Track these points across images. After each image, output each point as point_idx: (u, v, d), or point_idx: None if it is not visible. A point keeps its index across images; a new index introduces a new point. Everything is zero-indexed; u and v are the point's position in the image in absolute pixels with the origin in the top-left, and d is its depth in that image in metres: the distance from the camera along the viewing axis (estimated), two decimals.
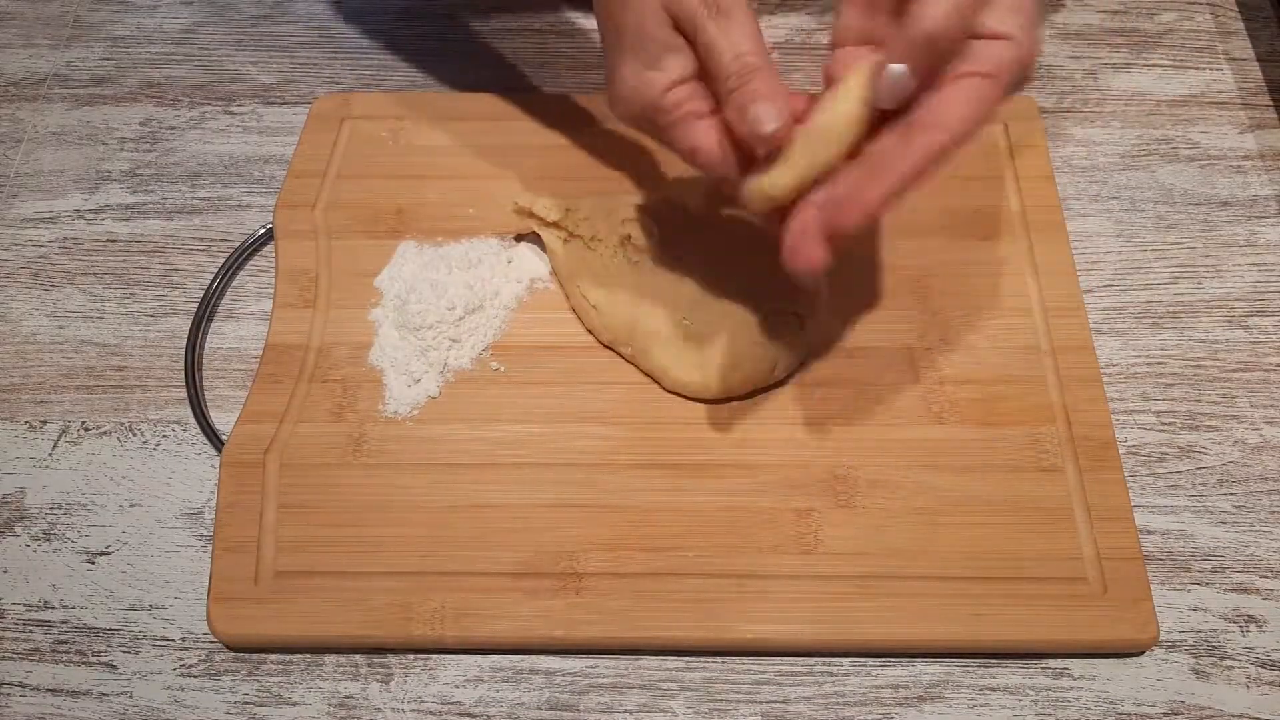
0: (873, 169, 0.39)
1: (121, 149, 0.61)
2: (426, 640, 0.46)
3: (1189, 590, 0.48)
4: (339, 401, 0.51)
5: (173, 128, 0.62)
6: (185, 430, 0.52)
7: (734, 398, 0.51)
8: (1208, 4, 0.67)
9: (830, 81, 0.42)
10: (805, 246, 0.40)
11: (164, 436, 0.52)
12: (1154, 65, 0.64)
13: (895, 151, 0.38)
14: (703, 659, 0.47)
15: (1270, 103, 0.62)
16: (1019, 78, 0.39)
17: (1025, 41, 0.39)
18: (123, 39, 0.66)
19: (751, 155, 0.41)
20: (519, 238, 0.56)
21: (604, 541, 0.47)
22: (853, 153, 0.40)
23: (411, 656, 0.47)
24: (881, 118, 0.39)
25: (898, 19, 0.40)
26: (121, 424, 0.52)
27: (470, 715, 0.45)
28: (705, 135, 0.41)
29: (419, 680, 0.46)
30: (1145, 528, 0.49)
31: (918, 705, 0.45)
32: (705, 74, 0.41)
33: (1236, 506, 0.50)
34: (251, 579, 0.47)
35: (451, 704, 0.46)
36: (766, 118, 0.38)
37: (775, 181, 0.40)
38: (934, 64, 0.38)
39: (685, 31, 0.40)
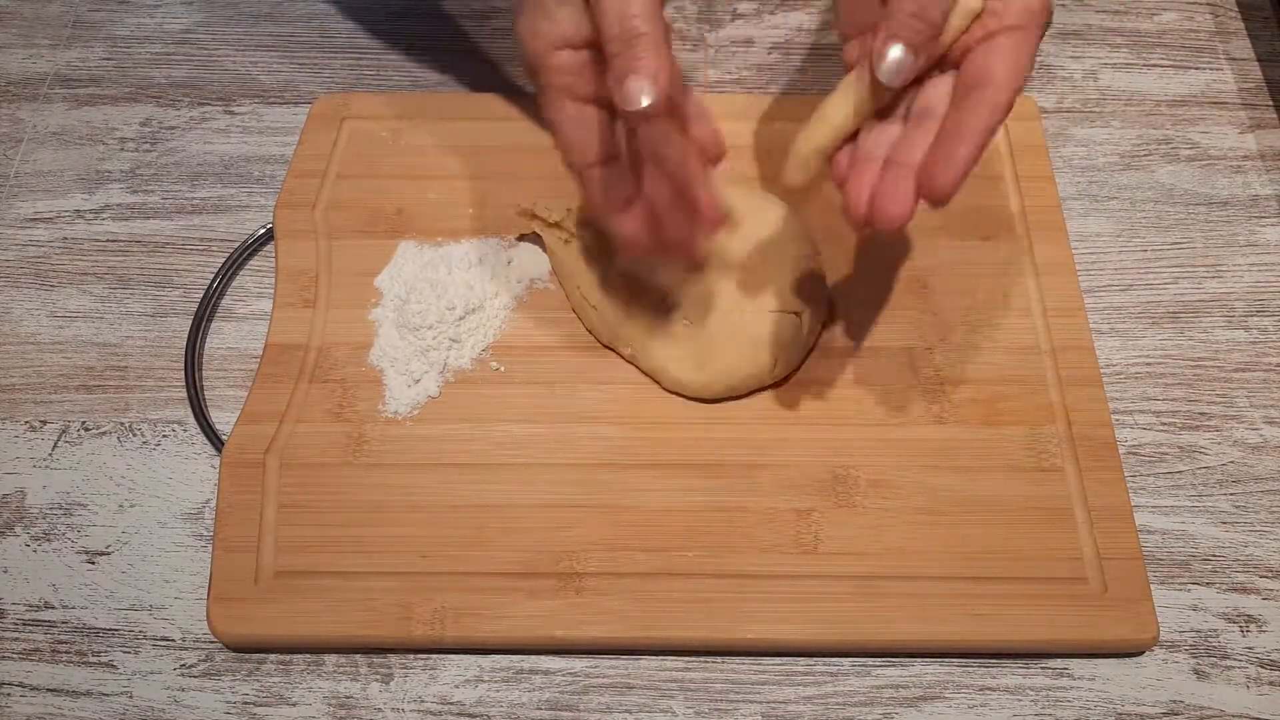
0: (949, 132, 0.38)
1: (121, 149, 0.61)
2: (426, 640, 0.46)
3: (1189, 590, 0.48)
4: (339, 401, 0.51)
5: (173, 128, 0.62)
6: (185, 430, 0.52)
7: (734, 398, 0.51)
8: (1208, 4, 0.67)
9: (849, 68, 0.42)
10: (895, 200, 0.38)
11: (164, 436, 0.52)
12: (1154, 65, 0.64)
13: (964, 115, 0.38)
14: (703, 659, 0.47)
15: (1270, 103, 0.62)
16: (1046, 19, 0.39)
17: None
18: (123, 39, 0.66)
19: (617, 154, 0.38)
20: (519, 238, 0.56)
21: (604, 541, 0.47)
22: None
23: (411, 656, 0.47)
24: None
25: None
26: (121, 424, 0.52)
27: (470, 715, 0.45)
28: (568, 118, 0.38)
29: (419, 680, 0.46)
30: (1145, 528, 0.49)
31: (918, 705, 0.45)
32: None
33: (1236, 506, 0.50)
34: (251, 579, 0.47)
35: (451, 704, 0.46)
36: (637, 93, 0.36)
37: (811, 137, 0.40)
38: (931, 34, 0.38)
39: None
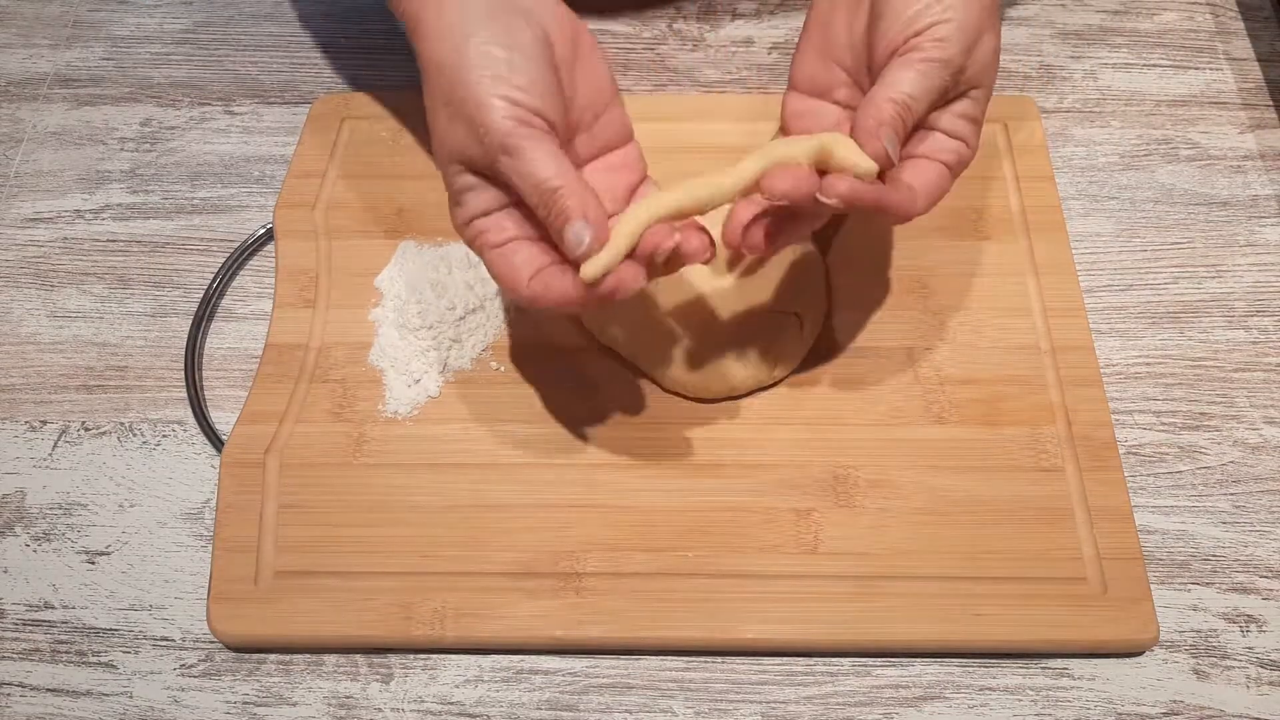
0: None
1: (121, 149, 0.61)
2: (426, 640, 0.46)
3: (1189, 590, 0.48)
4: (339, 401, 0.51)
5: (173, 128, 0.62)
6: (185, 430, 0.52)
7: (734, 397, 0.51)
8: (1208, 4, 0.67)
9: (785, 130, 0.48)
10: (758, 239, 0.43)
11: (164, 436, 0.52)
12: (1154, 65, 0.64)
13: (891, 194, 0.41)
14: (703, 659, 0.47)
15: (1270, 103, 0.62)
16: (957, 176, 0.43)
17: (973, 147, 0.43)
18: (123, 39, 0.66)
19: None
20: None
21: (604, 541, 0.47)
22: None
23: (411, 656, 0.47)
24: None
25: (853, 77, 0.46)
26: (121, 424, 0.52)
27: (470, 715, 0.45)
28: (498, 261, 0.41)
29: (419, 680, 0.46)
30: (1145, 528, 0.49)
31: (918, 705, 0.45)
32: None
33: (1236, 506, 0.50)
34: (251, 579, 0.47)
35: (451, 704, 0.46)
36: (580, 236, 0.38)
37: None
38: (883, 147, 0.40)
39: (484, 174, 0.41)
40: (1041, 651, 0.46)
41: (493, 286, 0.54)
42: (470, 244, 0.42)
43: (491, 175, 0.40)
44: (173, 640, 0.47)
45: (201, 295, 0.55)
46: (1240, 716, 0.45)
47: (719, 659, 0.47)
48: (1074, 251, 0.55)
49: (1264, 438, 0.52)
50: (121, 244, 0.58)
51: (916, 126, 0.42)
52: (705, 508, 0.48)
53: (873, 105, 0.40)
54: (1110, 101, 0.63)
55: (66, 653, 0.47)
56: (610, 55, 0.64)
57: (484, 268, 0.54)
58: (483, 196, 0.41)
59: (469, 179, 0.41)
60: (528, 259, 0.41)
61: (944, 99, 0.42)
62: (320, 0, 0.67)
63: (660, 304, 0.51)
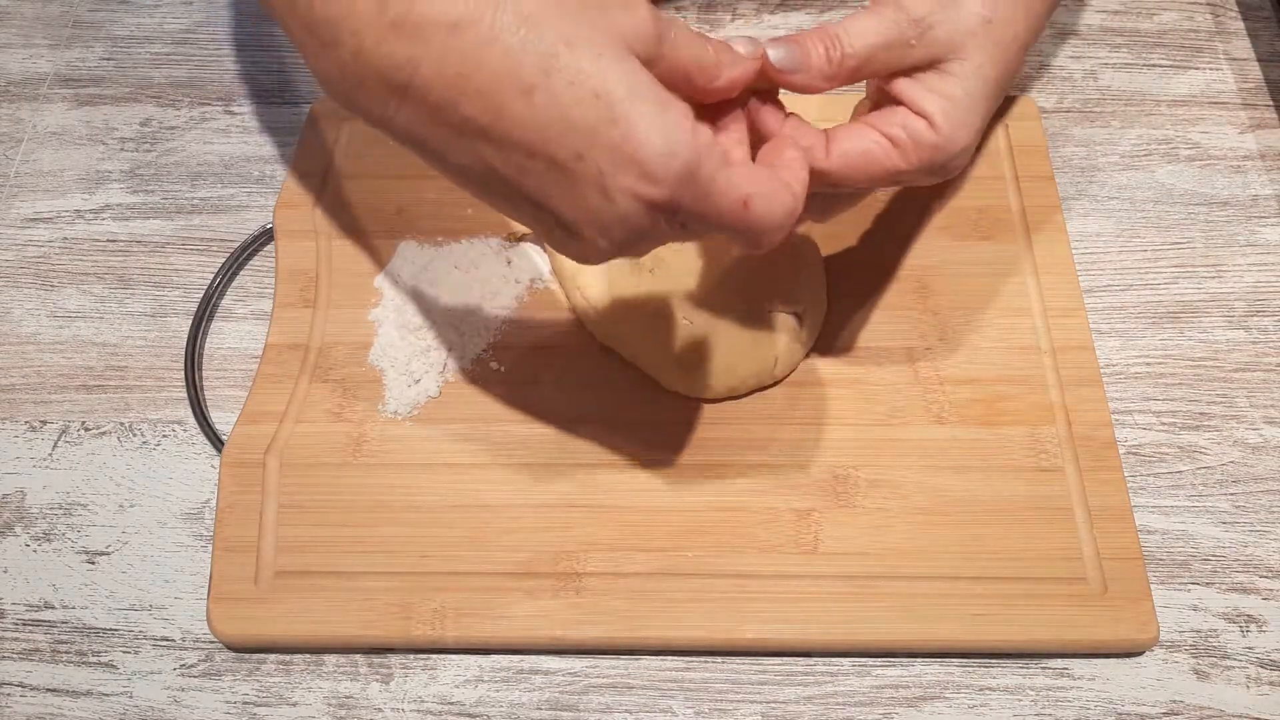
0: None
1: (121, 149, 0.61)
2: (426, 640, 0.46)
3: (1189, 590, 0.48)
4: (339, 401, 0.51)
5: (173, 128, 0.62)
6: (185, 430, 0.52)
7: (734, 397, 0.51)
8: (1208, 4, 0.67)
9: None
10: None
11: (164, 436, 0.52)
12: (1154, 65, 0.64)
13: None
14: (703, 659, 0.47)
15: (1270, 103, 0.62)
16: (929, 164, 0.39)
17: (941, 130, 0.38)
18: (123, 39, 0.66)
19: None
20: (519, 238, 0.56)
21: (604, 541, 0.47)
22: None
23: (411, 656, 0.47)
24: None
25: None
26: (121, 424, 0.52)
27: (470, 715, 0.45)
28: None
29: (419, 680, 0.46)
30: (1145, 528, 0.49)
31: (918, 705, 0.45)
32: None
33: (1236, 506, 0.50)
34: (251, 579, 0.47)
35: (451, 704, 0.46)
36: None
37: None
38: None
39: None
40: (1041, 651, 0.46)
41: (492, 286, 0.54)
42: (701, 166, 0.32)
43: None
44: (173, 640, 0.47)
45: (201, 295, 0.55)
46: (1240, 716, 0.45)
47: (719, 659, 0.47)
48: (1074, 251, 0.55)
49: (1264, 438, 0.52)
50: (121, 244, 0.58)
51: (884, 98, 0.39)
52: (705, 508, 0.48)
53: (799, 34, 0.38)
54: (1110, 101, 0.63)
55: (66, 653, 0.47)
56: None
57: (482, 267, 0.54)
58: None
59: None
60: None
61: (905, 57, 0.38)
62: None
63: (660, 304, 0.51)
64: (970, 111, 0.39)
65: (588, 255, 0.34)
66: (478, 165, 0.32)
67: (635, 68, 0.31)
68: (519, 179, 0.32)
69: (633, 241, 0.33)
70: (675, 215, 0.32)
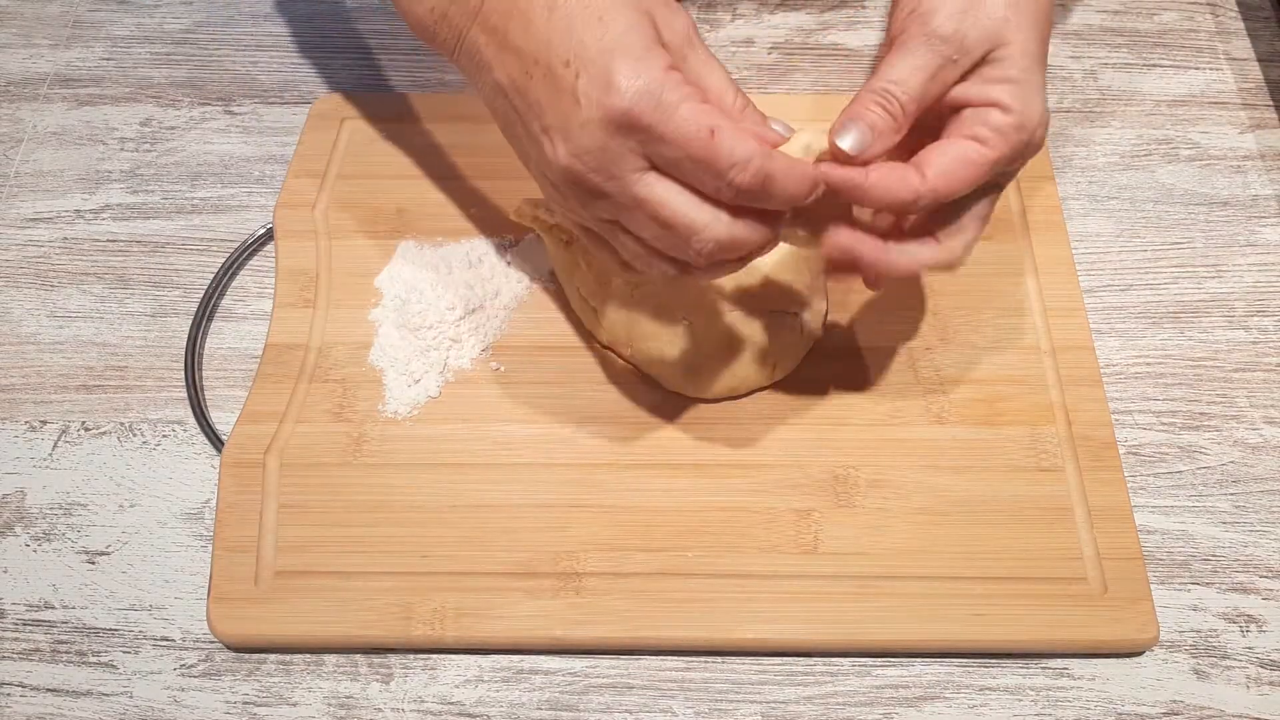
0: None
1: (121, 149, 0.61)
2: (426, 640, 0.46)
3: (1189, 590, 0.48)
4: (339, 401, 0.51)
5: (173, 128, 0.62)
6: (185, 430, 0.52)
7: (734, 398, 0.51)
8: (1208, 4, 0.67)
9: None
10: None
11: (164, 436, 0.52)
12: (1154, 65, 0.64)
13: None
14: (703, 659, 0.47)
15: (1270, 103, 0.62)
16: (1017, 145, 0.40)
17: (1015, 110, 0.39)
18: (123, 39, 0.66)
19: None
20: (519, 238, 0.56)
21: (604, 541, 0.47)
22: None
23: (411, 656, 0.47)
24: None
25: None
26: (121, 424, 0.52)
27: (470, 715, 0.45)
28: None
29: (419, 680, 0.46)
30: (1145, 528, 0.49)
31: (918, 705, 0.45)
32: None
33: (1236, 506, 0.50)
34: (251, 579, 0.47)
35: (451, 704, 0.46)
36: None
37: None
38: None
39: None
40: (1041, 651, 0.46)
41: (492, 286, 0.54)
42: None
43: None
44: (173, 640, 0.47)
45: (201, 295, 0.55)
46: (1240, 716, 0.45)
47: (719, 659, 0.47)
48: (1074, 251, 0.55)
49: (1264, 438, 0.52)
50: (121, 244, 0.58)
51: (937, 110, 0.40)
52: (705, 508, 0.48)
53: (852, 102, 0.39)
54: (1110, 101, 0.63)
55: (66, 653, 0.47)
56: None
57: (482, 267, 0.54)
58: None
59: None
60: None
61: (953, 74, 0.40)
62: (320, 0, 0.67)
63: (660, 304, 0.51)
64: (1031, 85, 0.40)
65: (546, 158, 0.38)
66: (505, 79, 0.39)
67: (645, 22, 0.36)
68: (526, 85, 0.38)
69: (590, 153, 0.36)
70: (635, 134, 0.36)
